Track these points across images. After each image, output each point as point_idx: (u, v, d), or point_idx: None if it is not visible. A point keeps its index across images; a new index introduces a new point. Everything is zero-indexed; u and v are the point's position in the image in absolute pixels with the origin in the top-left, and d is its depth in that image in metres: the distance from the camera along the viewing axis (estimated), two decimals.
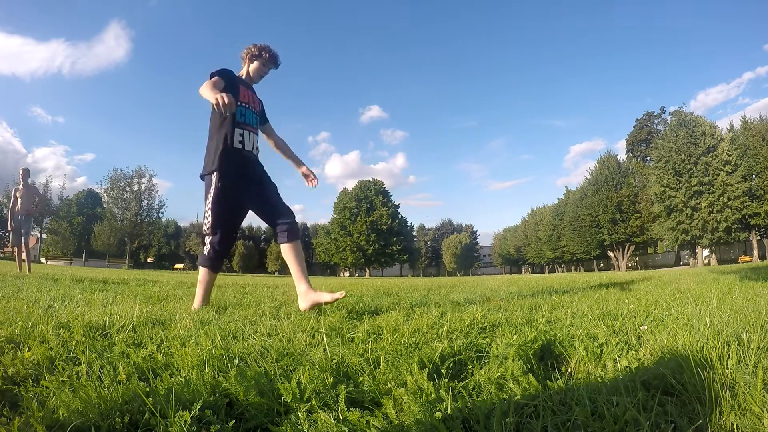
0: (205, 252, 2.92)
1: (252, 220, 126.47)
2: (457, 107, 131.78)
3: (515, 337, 1.67)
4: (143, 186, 46.28)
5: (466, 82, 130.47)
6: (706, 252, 35.33)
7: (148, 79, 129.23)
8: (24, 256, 8.23)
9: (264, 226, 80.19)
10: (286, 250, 2.78)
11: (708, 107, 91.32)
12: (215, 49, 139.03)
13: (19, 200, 8.40)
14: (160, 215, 48.97)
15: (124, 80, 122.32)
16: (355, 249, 52.71)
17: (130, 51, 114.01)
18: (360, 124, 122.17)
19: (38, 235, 47.43)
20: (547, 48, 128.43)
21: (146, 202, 46.51)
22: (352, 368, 1.36)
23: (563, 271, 52.06)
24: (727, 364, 1.18)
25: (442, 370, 1.28)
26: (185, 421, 0.97)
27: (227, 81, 2.79)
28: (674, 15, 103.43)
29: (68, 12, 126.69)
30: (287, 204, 2.90)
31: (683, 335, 1.50)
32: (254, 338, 1.77)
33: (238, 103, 2.84)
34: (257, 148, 3.01)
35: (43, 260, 48.26)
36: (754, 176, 32.51)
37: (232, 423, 1.01)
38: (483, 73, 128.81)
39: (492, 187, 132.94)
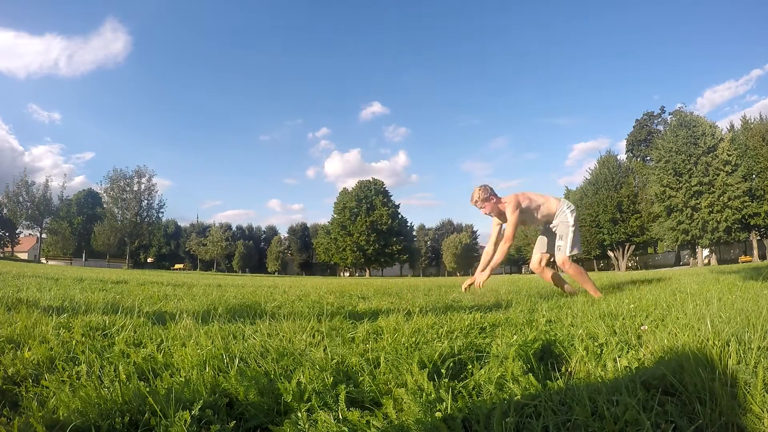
0: None
1: (252, 220, 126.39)
2: (461, 105, 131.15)
3: (515, 337, 1.67)
4: (143, 186, 46.25)
5: (470, 80, 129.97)
6: (706, 252, 35.30)
7: (148, 74, 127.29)
8: None
9: (264, 226, 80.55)
10: None
11: (715, 104, 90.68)
12: (216, 43, 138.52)
13: None
14: (160, 215, 48.95)
15: (123, 75, 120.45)
16: (355, 249, 52.69)
17: (128, 44, 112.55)
18: (361, 119, 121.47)
19: (38, 234, 47.44)
20: (552, 45, 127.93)
21: (146, 202, 46.49)
22: (352, 368, 1.35)
23: (563, 271, 51.89)
24: (727, 364, 1.18)
25: (442, 370, 1.28)
26: (185, 420, 0.97)
27: None
28: (681, 12, 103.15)
29: (63, 3, 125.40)
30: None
31: (683, 335, 1.50)
32: (254, 338, 1.77)
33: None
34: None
35: (43, 260, 48.27)
36: (754, 176, 32.48)
37: (232, 423, 1.01)
38: (486, 71, 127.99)
39: (496, 186, 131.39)
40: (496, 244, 4.14)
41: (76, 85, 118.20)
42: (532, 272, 4.83)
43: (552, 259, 4.14)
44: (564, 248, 3.84)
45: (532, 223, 4.10)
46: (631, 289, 4.17)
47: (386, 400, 1.09)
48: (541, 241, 4.17)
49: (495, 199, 3.99)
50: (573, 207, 3.97)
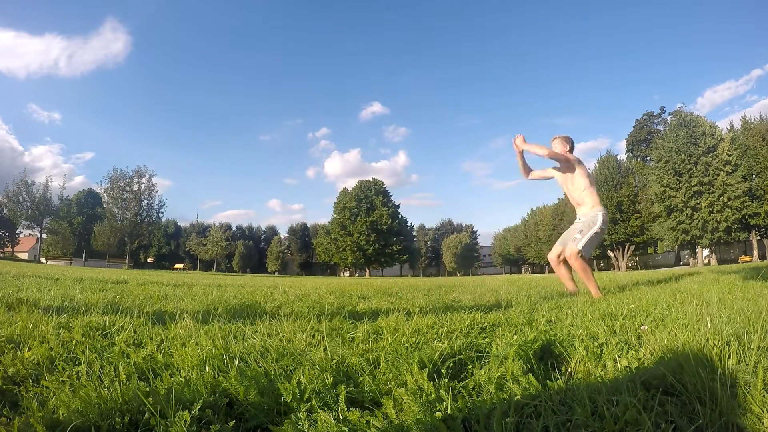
0: None
1: (252, 220, 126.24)
2: (461, 105, 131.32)
3: (515, 337, 1.67)
4: (143, 186, 46.26)
5: (470, 80, 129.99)
6: (706, 252, 35.30)
7: (148, 74, 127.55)
8: None
9: (264, 226, 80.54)
10: None
11: (715, 104, 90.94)
12: (216, 43, 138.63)
13: None
14: (160, 215, 48.97)
15: (123, 75, 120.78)
16: (355, 249, 52.68)
17: (128, 44, 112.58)
18: (361, 119, 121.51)
19: (38, 234, 47.44)
20: (552, 45, 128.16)
21: (146, 202, 46.49)
22: (352, 368, 1.35)
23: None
24: (727, 364, 1.18)
25: (442, 370, 1.28)
26: (185, 420, 0.97)
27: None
28: (681, 12, 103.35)
29: (63, 3, 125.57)
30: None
31: (683, 335, 1.50)
32: (254, 338, 1.77)
33: None
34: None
35: (43, 260, 48.26)
36: (754, 176, 32.48)
37: (232, 423, 1.01)
38: (486, 71, 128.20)
39: (496, 185, 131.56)
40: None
41: (76, 85, 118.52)
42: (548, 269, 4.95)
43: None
44: (578, 241, 3.94)
45: (573, 187, 4.19)
46: (631, 289, 4.17)
47: (386, 400, 1.09)
48: (567, 235, 4.25)
49: (567, 148, 4.24)
50: (607, 218, 4.07)
